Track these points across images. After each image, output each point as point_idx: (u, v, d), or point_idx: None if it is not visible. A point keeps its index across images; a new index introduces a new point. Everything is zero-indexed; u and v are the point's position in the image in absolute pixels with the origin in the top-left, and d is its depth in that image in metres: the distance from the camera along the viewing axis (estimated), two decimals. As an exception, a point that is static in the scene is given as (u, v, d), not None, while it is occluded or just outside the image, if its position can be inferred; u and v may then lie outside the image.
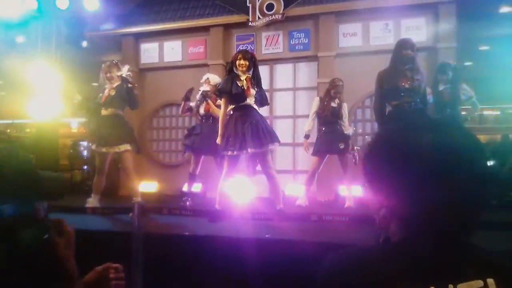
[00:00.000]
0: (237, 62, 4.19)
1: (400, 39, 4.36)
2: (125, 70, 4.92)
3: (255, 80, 4.24)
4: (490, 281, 0.72)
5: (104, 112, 4.85)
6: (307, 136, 5.41)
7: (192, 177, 5.40)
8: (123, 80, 4.87)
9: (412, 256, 0.76)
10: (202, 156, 5.36)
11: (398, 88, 4.04)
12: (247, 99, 4.15)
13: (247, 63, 4.19)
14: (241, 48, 6.59)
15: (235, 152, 4.11)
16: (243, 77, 4.18)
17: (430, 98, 4.94)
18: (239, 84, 4.15)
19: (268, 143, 4.09)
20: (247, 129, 4.07)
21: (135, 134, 5.26)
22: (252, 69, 4.26)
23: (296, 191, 5.82)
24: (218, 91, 4.45)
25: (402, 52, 4.02)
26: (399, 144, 0.82)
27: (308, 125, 5.41)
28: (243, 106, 4.18)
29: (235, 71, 4.24)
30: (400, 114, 4.06)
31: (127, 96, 4.86)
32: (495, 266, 0.76)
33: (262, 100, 4.33)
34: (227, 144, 4.15)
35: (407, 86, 4.01)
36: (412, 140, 0.80)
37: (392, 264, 0.76)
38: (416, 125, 0.84)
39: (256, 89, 4.21)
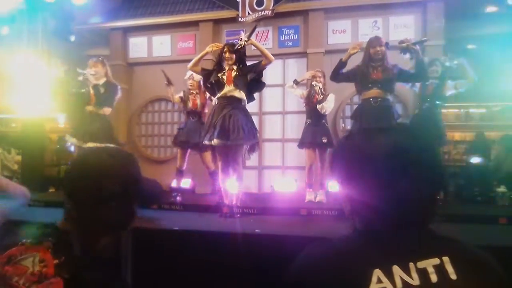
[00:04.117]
0: (224, 55, 4.23)
1: (371, 37, 4.58)
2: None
3: (240, 69, 4.24)
4: (446, 259, 0.80)
5: (91, 108, 4.82)
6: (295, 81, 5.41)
7: (179, 173, 5.40)
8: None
9: (376, 242, 0.85)
10: (188, 151, 5.37)
11: (367, 79, 4.36)
12: (226, 89, 4.17)
13: (233, 56, 4.21)
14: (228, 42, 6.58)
15: (205, 142, 4.22)
16: (226, 68, 4.23)
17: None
18: (219, 75, 4.20)
19: (235, 138, 4.04)
20: (219, 120, 4.10)
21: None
22: (239, 63, 4.27)
23: (285, 186, 5.84)
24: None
25: (370, 50, 4.36)
26: (357, 145, 0.92)
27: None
28: (225, 97, 4.19)
29: (222, 64, 4.28)
30: (363, 110, 4.40)
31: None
32: (449, 246, 0.85)
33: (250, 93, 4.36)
34: (204, 134, 4.26)
35: (374, 78, 4.32)
36: (367, 142, 0.90)
37: (358, 251, 0.84)
38: (373, 129, 0.95)
39: (239, 77, 4.19)
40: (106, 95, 4.81)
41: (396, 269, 0.78)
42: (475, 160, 6.79)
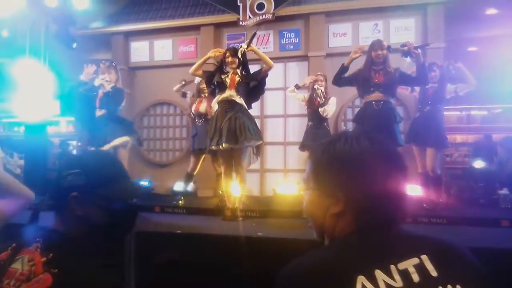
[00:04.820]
0: (226, 60, 4.26)
1: (373, 40, 4.55)
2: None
3: (244, 75, 4.26)
4: (424, 257, 0.83)
5: (100, 112, 4.87)
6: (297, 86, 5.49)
7: (189, 177, 5.42)
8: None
9: (356, 248, 0.86)
10: (203, 157, 5.38)
11: (369, 83, 4.34)
12: (228, 93, 4.18)
13: (236, 60, 4.23)
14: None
15: (213, 147, 4.19)
16: (230, 72, 4.25)
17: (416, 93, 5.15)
18: (222, 77, 4.22)
19: (243, 140, 4.05)
20: (225, 124, 4.10)
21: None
22: (243, 68, 4.30)
23: (287, 189, 5.83)
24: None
25: (372, 54, 4.34)
26: (334, 153, 0.93)
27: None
28: (226, 101, 4.20)
29: (224, 68, 4.30)
30: (365, 113, 4.38)
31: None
32: (426, 244, 0.87)
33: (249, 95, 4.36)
34: (211, 138, 4.24)
35: (376, 81, 4.30)
36: (343, 149, 0.92)
37: (340, 259, 0.84)
38: (346, 136, 0.95)
39: (242, 83, 4.21)
40: (114, 100, 4.85)
41: (378, 273, 0.79)
42: (482, 162, 6.75)
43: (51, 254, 1.01)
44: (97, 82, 4.85)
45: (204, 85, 5.27)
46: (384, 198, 0.88)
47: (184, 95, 5.66)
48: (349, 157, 0.91)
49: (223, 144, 4.06)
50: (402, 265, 0.81)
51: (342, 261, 0.83)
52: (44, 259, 1.00)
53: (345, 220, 0.92)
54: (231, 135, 4.05)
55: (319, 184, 0.96)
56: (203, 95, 5.36)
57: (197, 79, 5.34)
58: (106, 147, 4.69)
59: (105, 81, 4.81)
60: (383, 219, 0.89)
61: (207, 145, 4.34)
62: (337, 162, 0.93)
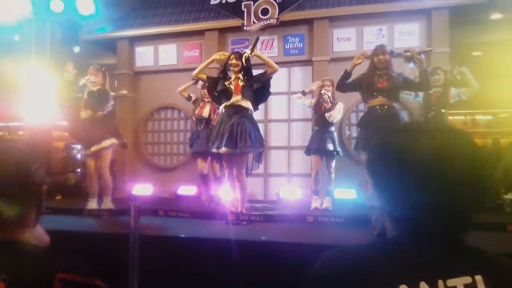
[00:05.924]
0: (230, 62, 4.29)
1: (375, 45, 4.51)
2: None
3: (247, 79, 4.28)
4: (478, 278, 0.74)
5: (84, 114, 4.91)
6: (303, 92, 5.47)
7: (204, 178, 5.47)
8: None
9: (403, 253, 0.78)
10: (208, 158, 5.42)
11: (372, 88, 4.28)
12: (234, 98, 4.20)
13: (239, 63, 4.26)
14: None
15: (214, 150, 4.24)
16: (233, 77, 4.27)
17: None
18: (226, 84, 4.25)
19: (242, 146, 4.06)
20: (227, 129, 4.14)
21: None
22: (245, 72, 4.31)
23: (291, 193, 5.84)
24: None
25: (374, 59, 4.28)
26: (392, 147, 0.83)
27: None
28: (232, 106, 4.23)
29: (227, 74, 4.33)
30: (370, 118, 4.30)
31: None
32: (483, 263, 0.78)
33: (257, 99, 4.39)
34: (212, 142, 4.29)
35: (380, 86, 4.25)
36: (404, 143, 0.81)
37: (383, 261, 0.77)
38: (411, 129, 0.85)
39: (246, 87, 4.23)
40: (98, 101, 4.91)
41: (423, 286, 0.72)
42: (487, 166, 6.71)
43: None
44: (81, 82, 4.90)
45: (205, 90, 5.33)
46: (436, 208, 0.76)
47: (189, 98, 5.68)
48: (386, 153, 0.84)
49: (222, 148, 4.10)
50: (451, 282, 0.73)
51: (385, 266, 0.76)
52: None
53: (390, 223, 0.84)
54: (231, 140, 4.09)
55: (372, 183, 0.89)
56: (206, 100, 5.40)
57: (200, 83, 5.37)
58: (93, 148, 4.80)
59: (90, 81, 4.86)
60: (431, 229, 0.78)
61: (209, 148, 4.39)
62: (376, 156, 0.87)
